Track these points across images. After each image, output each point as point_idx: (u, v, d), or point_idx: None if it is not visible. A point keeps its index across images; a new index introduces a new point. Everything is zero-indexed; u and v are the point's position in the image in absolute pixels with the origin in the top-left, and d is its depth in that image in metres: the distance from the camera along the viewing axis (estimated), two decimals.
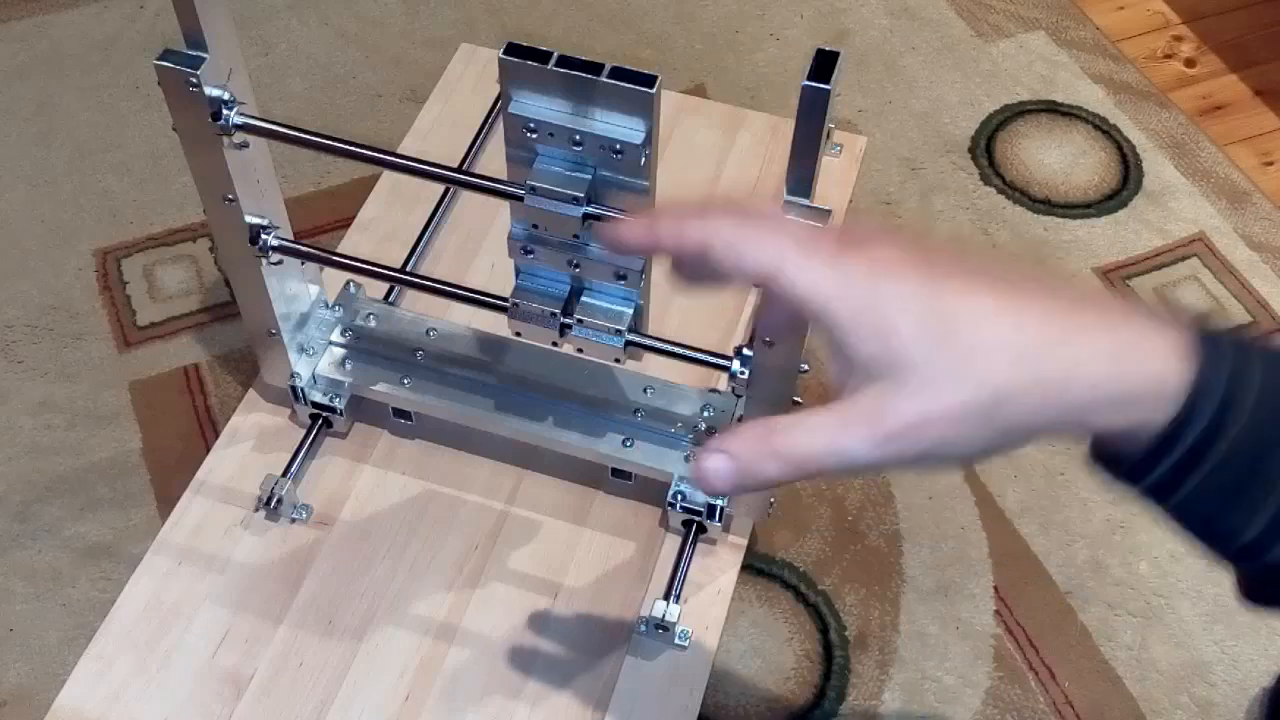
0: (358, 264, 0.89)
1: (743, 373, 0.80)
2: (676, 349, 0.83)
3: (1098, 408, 0.40)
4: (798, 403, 0.81)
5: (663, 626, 0.88)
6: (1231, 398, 0.40)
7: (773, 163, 1.19)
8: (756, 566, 0.95)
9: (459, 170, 0.93)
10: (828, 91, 0.63)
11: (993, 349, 0.40)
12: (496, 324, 0.87)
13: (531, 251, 0.79)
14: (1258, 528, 0.41)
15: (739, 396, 0.88)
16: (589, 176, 0.73)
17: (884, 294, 0.41)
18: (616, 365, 0.89)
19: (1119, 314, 0.41)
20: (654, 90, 0.68)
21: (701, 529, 0.92)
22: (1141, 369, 0.40)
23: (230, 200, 0.82)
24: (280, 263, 0.88)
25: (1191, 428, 0.40)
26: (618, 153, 0.71)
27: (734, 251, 0.44)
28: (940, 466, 0.42)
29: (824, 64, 0.63)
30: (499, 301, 0.83)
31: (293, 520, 0.95)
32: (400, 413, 0.98)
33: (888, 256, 0.42)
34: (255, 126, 0.78)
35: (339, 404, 0.96)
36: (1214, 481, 0.41)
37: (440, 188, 1.13)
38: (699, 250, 0.45)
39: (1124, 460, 0.41)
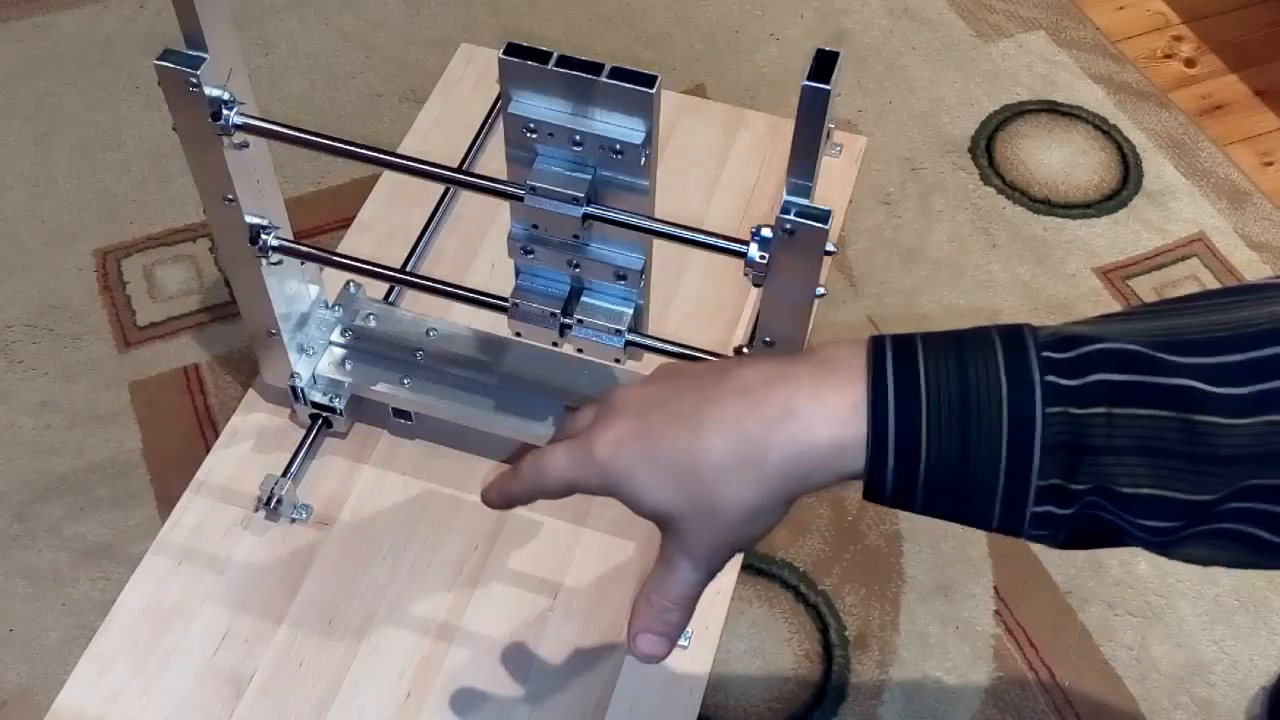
0: (358, 264, 0.89)
1: None
2: (676, 349, 0.83)
3: (803, 485, 0.49)
4: None
5: None
6: (906, 434, 0.46)
7: (772, 163, 1.19)
8: (756, 566, 0.95)
9: (459, 170, 0.93)
10: (828, 91, 0.63)
11: (708, 480, 0.49)
12: (496, 324, 0.87)
13: (531, 251, 0.79)
14: (998, 513, 0.47)
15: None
16: (589, 176, 0.73)
17: (624, 474, 0.51)
18: (616, 365, 0.89)
19: (800, 389, 0.48)
20: (654, 90, 0.68)
21: None
22: (818, 445, 0.48)
23: (230, 200, 0.82)
24: (280, 263, 0.88)
25: (884, 470, 0.47)
26: (618, 153, 0.71)
27: (543, 489, 0.56)
28: (754, 544, 0.53)
29: (824, 64, 0.63)
30: (499, 301, 0.83)
31: (293, 520, 0.95)
32: (400, 413, 0.98)
33: (617, 435, 0.52)
34: (255, 126, 0.78)
35: (339, 404, 0.96)
36: (935, 491, 0.47)
37: (440, 188, 1.13)
38: (531, 498, 0.58)
39: (863, 492, 0.49)
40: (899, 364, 0.48)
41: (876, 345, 0.49)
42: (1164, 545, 0.47)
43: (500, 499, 0.61)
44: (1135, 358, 0.45)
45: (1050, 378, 0.45)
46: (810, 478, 0.49)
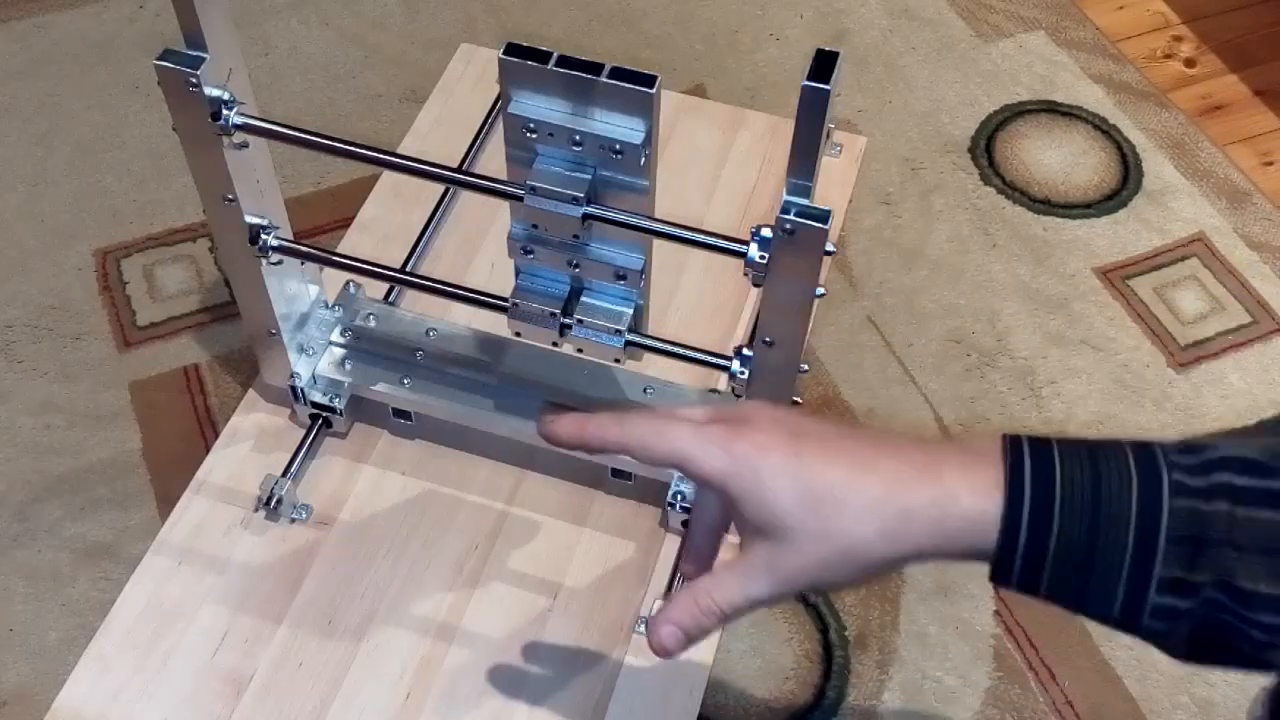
0: (358, 264, 0.89)
1: (742, 373, 0.80)
2: (676, 349, 0.83)
3: (931, 545, 0.51)
4: (797, 403, 0.81)
5: None
6: (1039, 515, 0.49)
7: (772, 163, 1.19)
8: None
9: (459, 170, 0.93)
10: (828, 91, 0.63)
11: (844, 512, 0.51)
12: (496, 324, 0.87)
13: (531, 251, 0.79)
14: (1120, 599, 0.49)
15: (739, 396, 0.88)
16: (589, 176, 0.73)
17: (763, 473, 0.53)
18: (616, 365, 0.89)
19: (947, 462, 0.51)
20: (654, 90, 0.68)
21: None
22: (960, 510, 0.50)
23: (230, 200, 0.82)
24: (280, 263, 0.88)
25: (1014, 550, 0.49)
26: (617, 153, 0.71)
27: (646, 450, 0.57)
28: (829, 589, 0.57)
29: (824, 64, 0.63)
30: (499, 301, 0.83)
31: (293, 520, 0.95)
32: (400, 413, 0.98)
33: (765, 441, 0.53)
34: (255, 126, 0.78)
35: (339, 404, 0.96)
36: (1061, 575, 0.49)
37: (440, 188, 1.13)
38: (619, 450, 0.58)
39: (990, 571, 0.51)
40: (1035, 454, 0.50)
41: (1014, 438, 0.51)
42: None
43: (573, 437, 0.60)
44: (1256, 465, 0.47)
45: (1177, 476, 0.48)
46: (941, 546, 0.51)
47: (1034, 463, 0.50)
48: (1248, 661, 0.49)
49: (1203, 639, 0.49)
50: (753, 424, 0.55)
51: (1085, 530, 0.48)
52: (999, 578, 0.51)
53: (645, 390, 0.93)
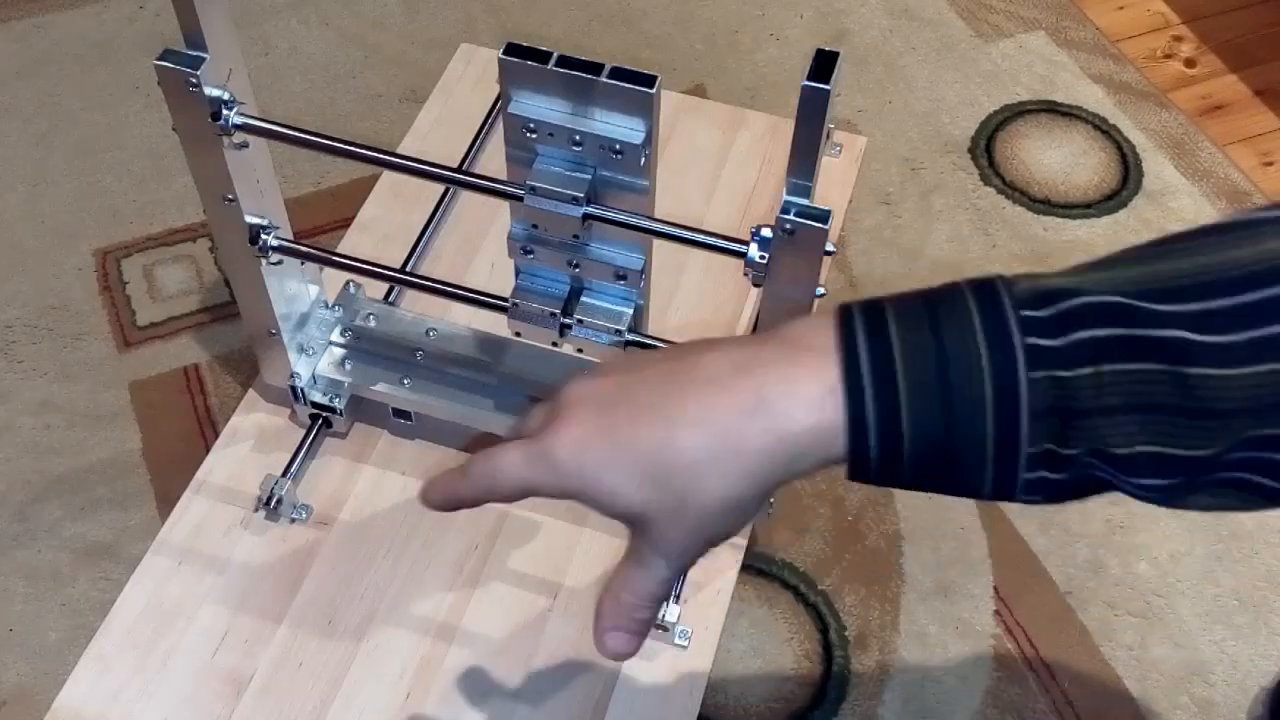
0: (358, 264, 0.89)
1: None
2: None
3: (787, 472, 0.46)
4: None
5: (662, 626, 0.88)
6: (886, 416, 0.44)
7: (772, 163, 1.19)
8: (756, 566, 0.95)
9: (459, 170, 0.93)
10: (827, 92, 0.63)
11: (686, 479, 0.46)
12: (496, 324, 0.87)
13: (531, 251, 0.79)
14: (990, 483, 0.44)
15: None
16: (589, 176, 0.73)
17: (588, 476, 0.48)
18: None
19: (768, 380, 0.46)
20: (654, 90, 0.68)
21: None
22: (800, 431, 0.45)
23: (230, 200, 0.82)
24: (280, 263, 0.88)
25: (867, 455, 0.45)
26: (617, 153, 0.71)
27: (492, 492, 0.52)
28: (726, 539, 0.50)
29: (824, 64, 0.63)
30: (499, 301, 0.83)
31: (293, 520, 0.95)
32: (400, 413, 0.98)
33: (579, 435, 0.48)
34: (255, 126, 0.78)
35: (339, 404, 0.96)
36: (922, 469, 0.45)
37: (440, 188, 1.13)
38: (479, 500, 0.54)
39: (847, 473, 0.47)
40: (871, 339, 0.45)
41: (845, 318, 0.46)
42: (1165, 500, 0.45)
43: (443, 500, 0.55)
44: (1118, 310, 0.42)
45: (1032, 339, 0.43)
46: (790, 467, 0.46)
47: (871, 353, 0.44)
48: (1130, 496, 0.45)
49: (1084, 492, 0.45)
50: (565, 416, 0.49)
51: (940, 423, 0.44)
52: (857, 478, 0.46)
53: None
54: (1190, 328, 0.41)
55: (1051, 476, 0.44)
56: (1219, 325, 0.41)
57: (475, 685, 0.87)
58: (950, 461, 0.44)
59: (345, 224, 1.14)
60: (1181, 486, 0.44)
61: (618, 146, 0.71)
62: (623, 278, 0.79)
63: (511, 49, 0.69)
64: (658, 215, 0.75)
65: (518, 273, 0.82)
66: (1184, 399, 0.41)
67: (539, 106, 0.71)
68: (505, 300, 0.82)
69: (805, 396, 0.45)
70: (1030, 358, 0.43)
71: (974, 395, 0.43)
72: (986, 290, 0.46)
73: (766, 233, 0.70)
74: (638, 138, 0.70)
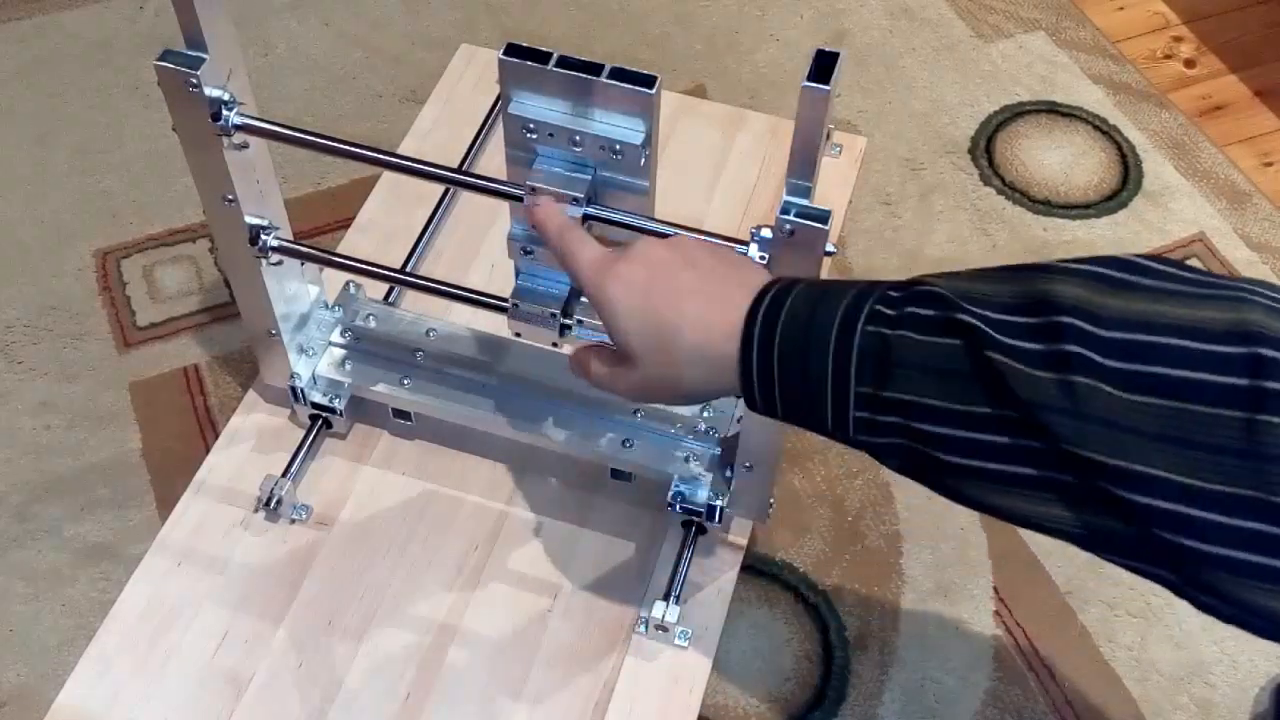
0: (358, 264, 0.89)
1: None
2: None
3: (731, 386, 0.62)
4: None
5: (662, 627, 0.88)
6: (767, 334, 0.59)
7: (772, 163, 1.19)
8: (756, 567, 0.95)
9: (459, 170, 0.93)
10: (827, 92, 0.63)
11: (676, 355, 0.64)
12: (496, 324, 0.87)
13: (531, 252, 0.79)
14: (830, 416, 0.58)
15: (739, 397, 0.88)
16: (589, 177, 0.73)
17: (619, 310, 0.65)
18: None
19: (725, 308, 0.62)
20: (654, 91, 0.68)
21: (701, 529, 0.92)
22: (718, 353, 0.62)
23: (230, 200, 0.82)
24: (280, 263, 0.88)
25: (751, 383, 0.61)
26: (617, 153, 0.71)
27: (559, 261, 0.72)
28: (668, 404, 0.77)
29: (824, 65, 0.63)
30: (499, 302, 0.83)
31: (292, 521, 0.95)
32: (400, 413, 0.98)
33: (629, 278, 0.65)
34: (255, 127, 0.78)
35: (339, 404, 0.96)
36: (789, 403, 0.60)
37: (440, 188, 1.13)
38: (542, 243, 0.74)
39: (745, 403, 0.63)
40: (776, 294, 0.60)
41: (771, 283, 0.62)
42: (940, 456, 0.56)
43: (537, 220, 0.73)
44: (941, 298, 0.54)
45: (877, 306, 0.56)
46: (720, 378, 0.62)
47: (770, 304, 0.60)
48: (954, 496, 0.57)
49: (913, 467, 0.57)
50: (628, 260, 0.66)
51: (798, 355, 0.58)
52: (752, 407, 0.62)
53: None
54: (987, 323, 0.52)
55: (877, 419, 0.56)
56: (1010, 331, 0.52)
57: (475, 685, 0.87)
58: (806, 393, 0.58)
59: (345, 224, 1.14)
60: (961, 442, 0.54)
61: (618, 147, 0.71)
62: None
63: (511, 49, 0.70)
64: (658, 215, 0.75)
65: (518, 273, 0.82)
66: (975, 367, 0.52)
67: (539, 107, 0.71)
68: (505, 301, 0.82)
69: (730, 330, 0.61)
70: (870, 316, 0.56)
71: (823, 336, 0.57)
72: (875, 281, 0.59)
73: (766, 233, 0.70)
74: (638, 138, 0.70)
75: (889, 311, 0.56)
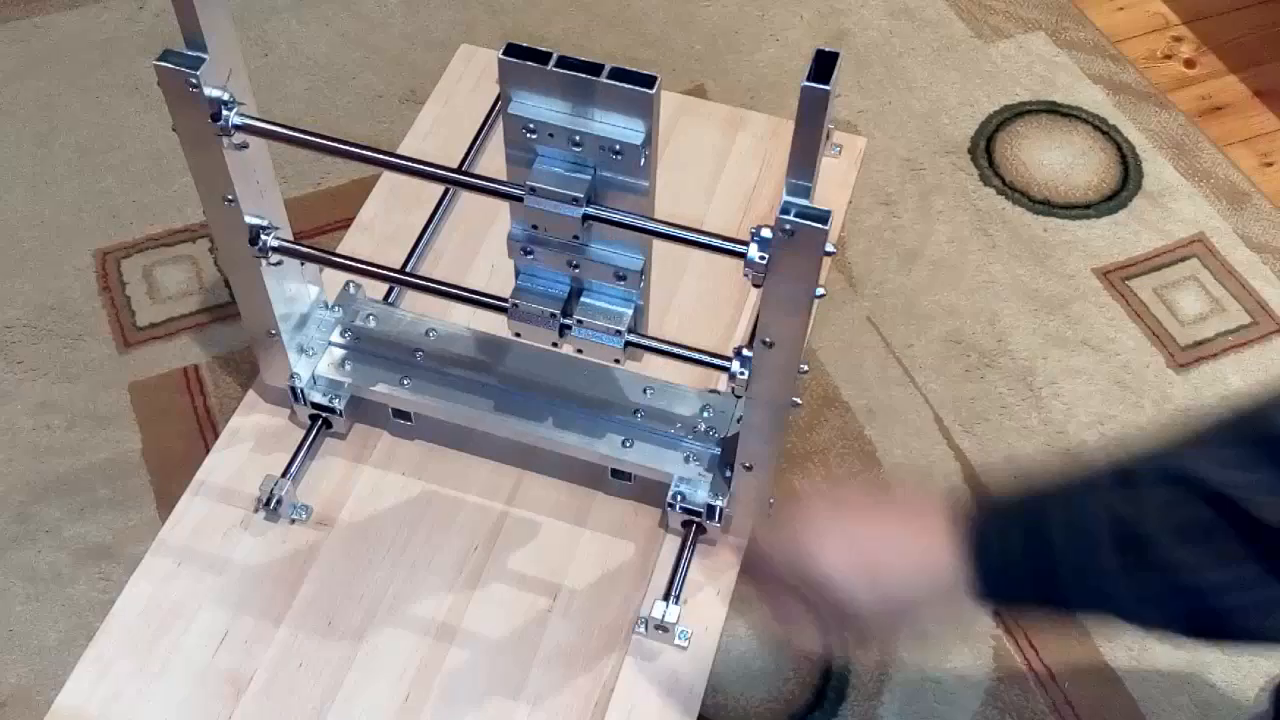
0: (357, 264, 0.89)
1: (742, 373, 0.80)
2: (676, 349, 0.83)
3: None
4: (797, 404, 0.81)
5: (662, 627, 0.88)
6: None
7: (772, 163, 1.19)
8: None
9: (459, 171, 0.93)
10: (827, 92, 0.63)
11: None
12: (496, 324, 0.87)
13: (531, 252, 0.79)
14: None
15: (738, 397, 0.88)
16: (589, 177, 0.73)
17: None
18: (616, 366, 0.89)
19: None
20: (654, 91, 0.68)
21: (701, 529, 0.92)
22: None
23: (230, 201, 0.82)
24: (280, 263, 0.88)
25: None
26: (617, 153, 0.71)
27: None
28: None
29: (823, 65, 0.63)
30: (499, 302, 0.83)
31: (292, 521, 0.95)
32: (400, 413, 0.98)
33: None
34: (255, 127, 0.78)
35: (339, 404, 0.96)
36: None
37: (440, 188, 1.13)
38: None
39: None
40: None
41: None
42: None
43: None
44: None
45: None
46: None
47: None
48: None
49: None
50: None
51: None
52: None
53: (645, 390, 0.93)
54: None
55: None
56: None
57: (475, 685, 0.87)
58: None
59: (345, 224, 1.14)
60: None
61: (617, 147, 0.71)
62: (622, 278, 0.79)
63: (511, 49, 0.70)
64: (658, 215, 0.75)
65: (518, 273, 0.82)
66: None
67: (539, 107, 0.71)
68: (505, 301, 0.82)
69: None
70: None
71: None
72: None
73: (766, 233, 0.70)
74: (637, 138, 0.70)
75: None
